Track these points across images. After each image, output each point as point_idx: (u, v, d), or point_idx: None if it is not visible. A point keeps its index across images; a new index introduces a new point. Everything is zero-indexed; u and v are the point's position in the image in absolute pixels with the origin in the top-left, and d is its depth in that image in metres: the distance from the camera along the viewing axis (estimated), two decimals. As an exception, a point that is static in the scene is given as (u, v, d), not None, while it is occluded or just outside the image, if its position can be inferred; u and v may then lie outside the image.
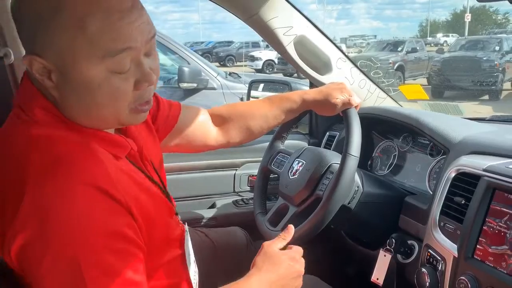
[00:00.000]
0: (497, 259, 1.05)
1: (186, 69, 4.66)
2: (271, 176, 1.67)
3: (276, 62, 20.67)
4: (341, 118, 1.39)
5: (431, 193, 1.45)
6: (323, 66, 1.88)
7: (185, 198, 2.02)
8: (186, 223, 1.21)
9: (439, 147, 1.47)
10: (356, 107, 1.38)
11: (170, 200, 1.09)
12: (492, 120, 1.78)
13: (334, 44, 1.88)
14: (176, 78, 4.82)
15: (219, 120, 1.44)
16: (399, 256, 1.44)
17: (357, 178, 1.43)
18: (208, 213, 1.97)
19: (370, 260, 1.51)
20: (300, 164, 1.49)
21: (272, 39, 1.74)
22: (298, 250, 1.10)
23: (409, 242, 1.43)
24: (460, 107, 1.71)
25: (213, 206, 2.07)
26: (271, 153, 1.66)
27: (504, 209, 1.06)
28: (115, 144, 0.90)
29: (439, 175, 1.37)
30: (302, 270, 1.07)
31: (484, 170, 1.14)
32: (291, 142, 2.05)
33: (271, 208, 1.53)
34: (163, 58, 5.59)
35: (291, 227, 1.16)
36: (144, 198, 0.91)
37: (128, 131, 1.00)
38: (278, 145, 1.67)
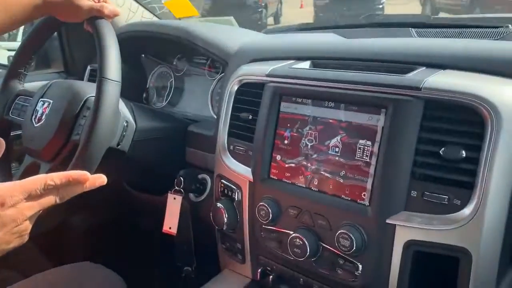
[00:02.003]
0: (294, 173, 0.91)
1: None
2: (13, 133, 1.23)
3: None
4: None
5: (216, 117, 1.25)
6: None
7: None
8: None
9: (217, 61, 1.26)
10: (109, 17, 1.03)
11: None
12: (266, 33, 1.66)
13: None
14: None
15: None
16: (191, 195, 1.23)
17: (125, 112, 1.13)
18: None
19: (161, 208, 1.26)
20: (46, 105, 1.10)
21: None
22: (23, 207, 0.63)
23: (200, 176, 1.23)
24: (233, 21, 1.56)
25: None
26: (7, 98, 1.21)
27: (294, 116, 0.91)
28: None
29: (221, 95, 1.17)
30: (24, 230, 0.65)
31: (268, 75, 0.97)
32: (40, 84, 1.59)
33: (16, 173, 1.12)
34: None
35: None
36: None
37: None
38: (16, 86, 1.22)
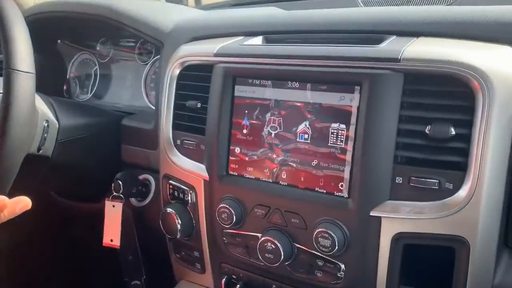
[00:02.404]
0: (257, 167, 0.78)
1: None
2: None
3: None
4: None
5: (154, 107, 1.09)
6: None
7: None
8: None
9: (150, 42, 1.10)
10: None
11: None
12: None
13: None
14: None
15: None
16: (133, 200, 1.07)
17: (44, 109, 0.94)
18: None
19: (98, 217, 1.09)
20: None
21: None
22: None
23: (141, 177, 1.07)
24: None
25: None
26: None
27: (252, 101, 0.78)
28: None
29: (159, 82, 1.02)
30: None
31: (216, 54, 0.82)
32: None
33: None
34: None
35: None
36: None
37: None
38: None
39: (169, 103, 0.91)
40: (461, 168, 0.64)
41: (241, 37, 0.89)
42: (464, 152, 0.63)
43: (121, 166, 1.08)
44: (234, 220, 0.79)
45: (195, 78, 0.88)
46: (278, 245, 0.74)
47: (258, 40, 0.86)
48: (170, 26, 1.01)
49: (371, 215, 0.68)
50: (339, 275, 0.73)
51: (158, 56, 1.13)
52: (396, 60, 0.66)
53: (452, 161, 0.64)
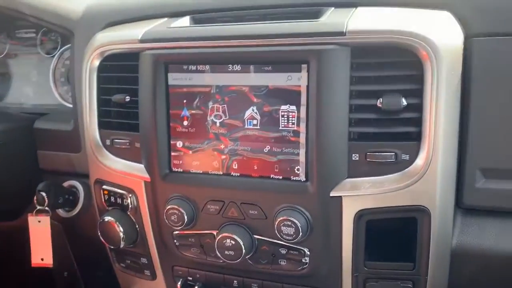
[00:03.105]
0: (204, 160, 0.72)
1: None
2: None
3: None
4: None
5: (69, 104, 0.98)
6: None
7: None
8: None
9: (55, 32, 0.96)
10: None
11: None
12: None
13: None
14: None
15: None
16: (60, 211, 0.95)
17: None
18: None
19: (20, 235, 0.96)
20: None
21: None
22: None
23: (66, 185, 0.96)
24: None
25: None
26: None
27: (190, 89, 0.71)
28: None
29: (74, 75, 0.90)
30: None
31: (142, 40, 0.74)
32: None
33: None
34: None
35: None
36: None
37: None
38: None
39: (91, 99, 0.81)
40: (416, 138, 0.63)
41: (165, 19, 0.80)
42: (417, 121, 0.63)
43: (41, 175, 0.96)
44: (186, 220, 0.73)
45: (119, 68, 0.78)
46: (238, 239, 0.70)
47: (185, 21, 0.78)
48: (79, 12, 0.89)
49: (331, 196, 0.66)
50: (303, 261, 0.71)
51: (67, 46, 1.00)
52: (341, 33, 0.63)
53: (406, 132, 0.64)
